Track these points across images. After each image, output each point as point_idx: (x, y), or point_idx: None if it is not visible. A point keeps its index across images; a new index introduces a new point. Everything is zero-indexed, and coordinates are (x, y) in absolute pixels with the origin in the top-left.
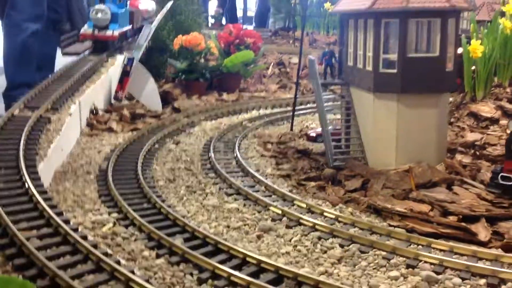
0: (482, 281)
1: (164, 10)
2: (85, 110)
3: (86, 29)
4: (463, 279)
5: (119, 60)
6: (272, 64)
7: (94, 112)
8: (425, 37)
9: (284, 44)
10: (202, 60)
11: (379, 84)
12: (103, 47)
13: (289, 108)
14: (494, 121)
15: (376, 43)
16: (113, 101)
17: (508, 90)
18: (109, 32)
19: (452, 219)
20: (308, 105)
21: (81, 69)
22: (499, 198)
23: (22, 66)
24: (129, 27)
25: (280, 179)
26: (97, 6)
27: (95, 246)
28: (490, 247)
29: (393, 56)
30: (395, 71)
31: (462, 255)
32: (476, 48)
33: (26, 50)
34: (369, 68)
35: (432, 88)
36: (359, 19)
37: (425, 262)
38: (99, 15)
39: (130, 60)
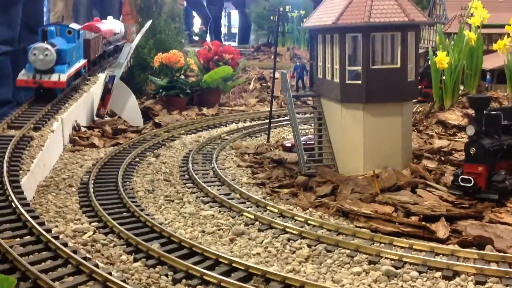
0: (438, 274)
1: (143, 30)
2: (68, 127)
3: (24, 73)
4: (420, 272)
5: (101, 78)
6: (253, 79)
7: (76, 129)
8: (387, 50)
9: (266, 59)
10: (182, 77)
11: (345, 95)
12: (49, 96)
13: (267, 121)
14: (461, 128)
15: (342, 56)
16: (95, 118)
17: None
18: (54, 77)
19: (414, 219)
20: (286, 117)
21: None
22: (460, 199)
23: None
24: (83, 62)
25: (255, 187)
26: (38, 45)
27: (75, 251)
28: (448, 244)
29: (358, 68)
30: (360, 82)
31: (421, 251)
32: (443, 59)
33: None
34: (337, 80)
35: (395, 97)
36: (326, 34)
37: (386, 258)
38: (41, 56)
39: (111, 78)
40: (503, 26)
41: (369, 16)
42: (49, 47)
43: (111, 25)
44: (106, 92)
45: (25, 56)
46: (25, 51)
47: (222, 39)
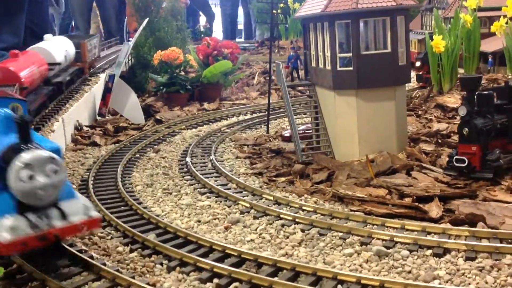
0: (429, 252)
1: (140, 28)
2: (69, 127)
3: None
4: (411, 251)
5: (102, 78)
6: (257, 73)
7: (78, 128)
8: (377, 35)
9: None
10: (182, 73)
11: (338, 82)
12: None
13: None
14: None
15: (333, 44)
16: (97, 117)
17: None
18: None
19: (407, 200)
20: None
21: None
22: (455, 180)
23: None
24: None
25: (253, 177)
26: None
27: (70, 245)
28: (441, 223)
29: (349, 55)
30: (351, 68)
31: (412, 231)
32: (438, 43)
33: None
34: (329, 67)
35: (387, 82)
36: (316, 22)
37: (377, 239)
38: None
39: (112, 77)
40: (500, 9)
41: (357, 2)
42: None
43: (54, 46)
44: (107, 91)
45: None
46: None
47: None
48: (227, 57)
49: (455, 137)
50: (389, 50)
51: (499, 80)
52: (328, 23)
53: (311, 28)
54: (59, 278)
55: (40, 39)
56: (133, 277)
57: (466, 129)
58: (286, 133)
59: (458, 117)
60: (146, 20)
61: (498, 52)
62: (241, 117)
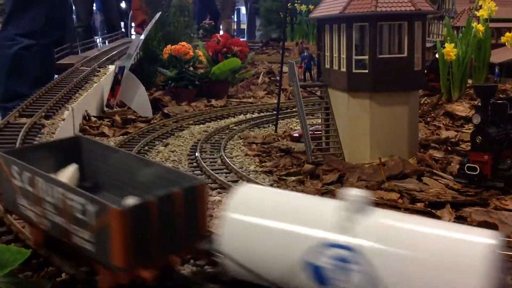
0: None
1: (153, 21)
2: (78, 117)
3: None
4: None
5: (111, 69)
6: (262, 73)
7: (86, 118)
8: (394, 39)
9: (274, 54)
10: (191, 68)
11: (352, 84)
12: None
13: (275, 112)
14: (468, 119)
15: (349, 46)
16: (105, 108)
17: None
18: None
19: (419, 205)
20: (294, 109)
21: (74, 79)
22: (466, 187)
23: (14, 78)
24: None
25: (263, 175)
26: None
27: None
28: None
29: (365, 58)
30: (366, 71)
31: None
32: (450, 51)
33: (17, 62)
34: (344, 69)
35: (401, 86)
36: (333, 24)
37: None
38: None
39: (121, 69)
40: (511, 20)
41: (376, 5)
42: None
43: None
44: (116, 83)
45: (46, 51)
46: (47, 46)
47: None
48: (237, 55)
49: (464, 145)
50: (405, 54)
51: (508, 91)
52: (346, 24)
53: (327, 29)
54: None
55: (57, 29)
56: None
57: (479, 137)
58: (295, 133)
59: (466, 126)
60: (159, 14)
61: (505, 63)
62: (248, 115)
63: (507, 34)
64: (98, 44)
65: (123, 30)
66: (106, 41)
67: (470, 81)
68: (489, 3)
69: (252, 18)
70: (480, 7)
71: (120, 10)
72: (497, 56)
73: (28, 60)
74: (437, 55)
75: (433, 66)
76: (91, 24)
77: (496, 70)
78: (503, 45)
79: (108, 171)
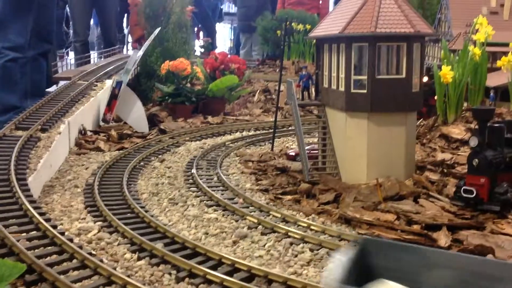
0: None
1: (152, 37)
2: (74, 130)
3: None
4: None
5: (108, 84)
6: (258, 91)
7: (82, 132)
8: (392, 60)
9: (271, 72)
10: (188, 85)
11: (350, 104)
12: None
13: (271, 130)
14: (464, 142)
15: (348, 66)
16: (101, 123)
17: None
18: None
19: (416, 227)
20: (290, 128)
21: (71, 93)
22: (462, 210)
23: (3, 90)
24: None
25: (259, 193)
26: None
27: (80, 247)
28: None
29: (363, 78)
30: (365, 91)
31: None
32: (447, 73)
33: (5, 74)
34: (342, 89)
35: (399, 107)
36: (332, 43)
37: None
38: None
39: (119, 84)
40: (507, 45)
41: (375, 26)
42: None
43: None
44: (113, 98)
45: (34, 64)
46: (35, 59)
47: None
48: (234, 72)
49: (460, 168)
50: (403, 76)
51: (504, 115)
52: (345, 44)
53: (326, 48)
54: (69, 280)
55: (45, 41)
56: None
57: (476, 160)
58: (291, 152)
59: (462, 148)
60: (158, 29)
61: (501, 87)
62: (244, 133)
63: (503, 58)
64: (94, 59)
65: (115, 45)
66: (102, 57)
67: (466, 104)
68: (486, 27)
69: (237, 37)
70: (477, 31)
71: (118, 25)
72: (492, 80)
73: (17, 72)
74: (432, 78)
75: (426, 90)
76: (88, 40)
77: (492, 94)
78: (499, 69)
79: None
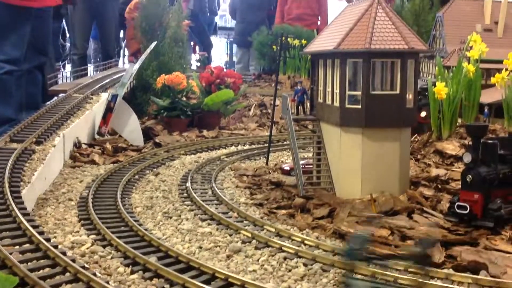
0: None
1: (148, 50)
2: (69, 143)
3: None
4: None
5: (103, 97)
6: (254, 105)
7: (77, 145)
8: (387, 76)
9: (266, 86)
10: (184, 98)
11: (345, 119)
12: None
13: (266, 145)
14: (458, 158)
15: (343, 81)
16: (96, 136)
17: None
18: None
19: (409, 243)
20: (285, 142)
21: (66, 106)
22: (456, 226)
23: None
24: None
25: (253, 207)
26: None
27: (73, 260)
28: (443, 268)
29: (358, 93)
30: (359, 107)
31: (416, 273)
32: (441, 89)
33: (0, 87)
34: (336, 104)
35: (393, 123)
36: (327, 59)
37: (382, 279)
38: None
39: (114, 97)
40: (501, 62)
41: (370, 42)
42: None
43: None
44: (108, 111)
45: (30, 77)
46: (30, 72)
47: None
48: (229, 86)
49: (454, 184)
50: (397, 91)
51: (497, 131)
52: (340, 60)
53: (321, 64)
54: None
55: (41, 54)
56: None
57: (470, 176)
58: (286, 166)
59: (456, 164)
60: (154, 43)
61: (494, 104)
62: (239, 147)
63: (497, 75)
64: (90, 72)
65: (113, 58)
66: (98, 70)
67: (460, 120)
68: (480, 44)
69: (231, 51)
70: (471, 48)
71: (117, 38)
72: (486, 96)
73: (12, 84)
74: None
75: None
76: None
77: (486, 110)
78: (493, 85)
79: None
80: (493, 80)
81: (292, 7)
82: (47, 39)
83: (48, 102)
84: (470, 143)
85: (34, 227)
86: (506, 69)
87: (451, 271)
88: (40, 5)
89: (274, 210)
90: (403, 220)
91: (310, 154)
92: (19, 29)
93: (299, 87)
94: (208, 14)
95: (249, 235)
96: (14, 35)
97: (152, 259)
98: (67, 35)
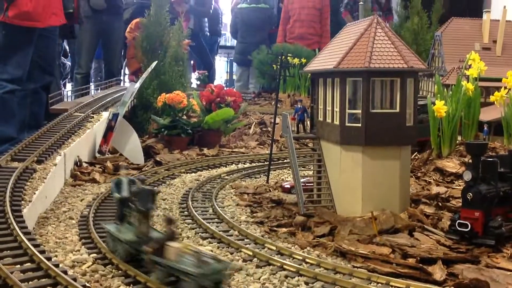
0: None
1: (149, 69)
2: (70, 162)
3: None
4: None
5: (104, 116)
6: (254, 123)
7: (78, 164)
8: (386, 95)
9: (266, 105)
10: (184, 117)
11: (345, 137)
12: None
13: (267, 163)
14: (458, 176)
15: (343, 100)
16: (97, 154)
17: None
18: None
19: (411, 261)
20: (286, 160)
21: (67, 125)
22: (457, 244)
23: (0, 121)
24: None
25: (254, 225)
26: None
27: (74, 279)
28: (444, 286)
29: (358, 112)
30: (359, 125)
31: None
32: (440, 108)
33: (2, 106)
34: (337, 122)
35: (394, 141)
36: (327, 78)
37: None
38: None
39: (115, 116)
40: (500, 80)
41: (369, 61)
42: None
43: None
44: (109, 129)
45: (35, 97)
46: (36, 91)
47: (224, 85)
48: (230, 105)
49: (454, 202)
50: (397, 110)
51: (497, 149)
52: (340, 79)
53: (321, 83)
54: None
55: (47, 74)
56: None
57: (470, 194)
58: (286, 184)
59: (456, 182)
60: (155, 62)
61: (494, 122)
62: (240, 165)
63: (496, 93)
64: (92, 91)
65: (117, 77)
66: (99, 88)
67: (459, 138)
68: (478, 63)
69: (231, 70)
70: (470, 66)
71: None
72: (486, 114)
73: (14, 103)
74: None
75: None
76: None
77: (485, 128)
78: (492, 103)
79: None
80: (492, 98)
81: (295, 26)
82: (53, 59)
83: (49, 123)
84: (470, 161)
85: (35, 246)
86: (505, 87)
87: None
88: (44, 25)
89: (275, 228)
90: (404, 238)
91: (311, 172)
92: (22, 49)
93: (299, 106)
94: (209, 34)
95: (250, 253)
96: (17, 55)
97: (153, 277)
98: (68, 54)
